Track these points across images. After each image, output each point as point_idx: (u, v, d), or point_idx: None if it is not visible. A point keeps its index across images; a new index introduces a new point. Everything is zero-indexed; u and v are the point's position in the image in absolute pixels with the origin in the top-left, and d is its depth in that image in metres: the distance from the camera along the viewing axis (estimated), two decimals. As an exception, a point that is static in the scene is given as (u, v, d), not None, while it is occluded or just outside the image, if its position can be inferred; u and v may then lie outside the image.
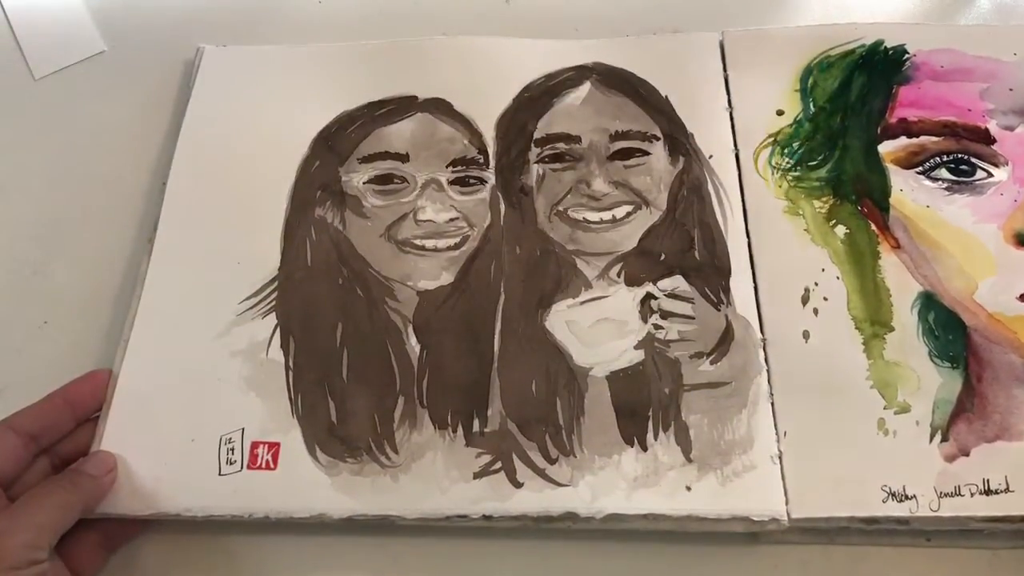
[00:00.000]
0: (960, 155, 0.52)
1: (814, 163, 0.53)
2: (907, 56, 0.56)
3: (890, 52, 0.57)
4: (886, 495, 0.43)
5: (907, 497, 0.43)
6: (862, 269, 0.49)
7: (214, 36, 0.61)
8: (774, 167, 0.53)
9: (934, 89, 0.55)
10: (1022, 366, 0.46)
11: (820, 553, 0.44)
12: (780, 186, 0.52)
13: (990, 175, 0.51)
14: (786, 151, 0.54)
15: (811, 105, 0.55)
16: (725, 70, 0.58)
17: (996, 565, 0.44)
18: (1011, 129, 0.53)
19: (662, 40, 0.59)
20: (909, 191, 0.51)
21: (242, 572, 0.45)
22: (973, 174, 0.51)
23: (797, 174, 0.53)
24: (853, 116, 0.54)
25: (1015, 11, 0.63)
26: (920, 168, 0.52)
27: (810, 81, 0.56)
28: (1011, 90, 0.54)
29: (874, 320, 0.47)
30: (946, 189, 0.51)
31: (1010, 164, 0.51)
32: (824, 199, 0.52)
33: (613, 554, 0.44)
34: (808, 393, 0.46)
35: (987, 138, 0.52)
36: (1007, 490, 0.42)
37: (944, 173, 0.52)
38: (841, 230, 0.50)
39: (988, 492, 0.42)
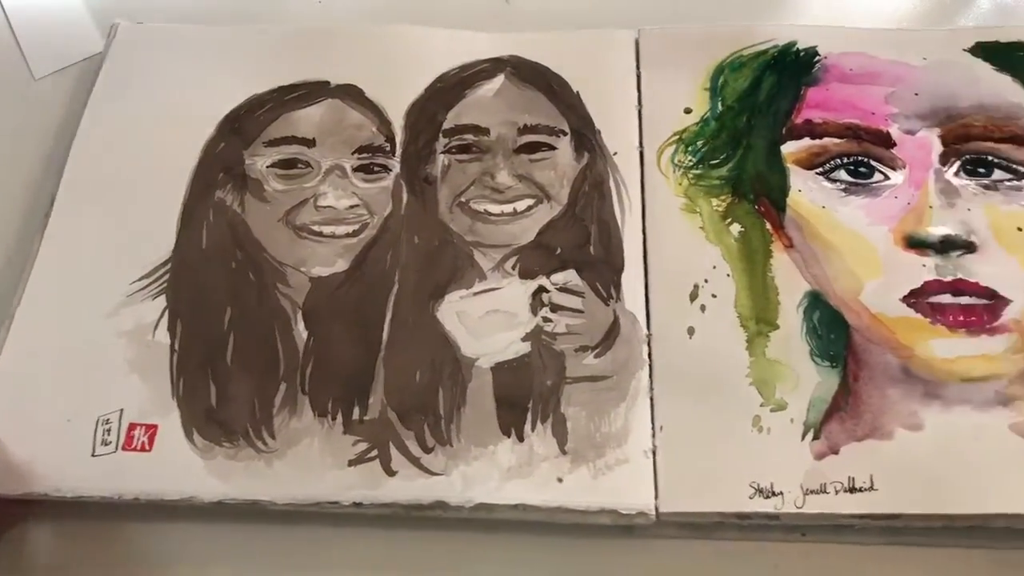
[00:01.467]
0: (860, 157, 0.52)
1: (716, 161, 0.53)
2: (818, 58, 0.57)
3: (802, 54, 0.57)
4: (754, 491, 0.43)
5: (774, 493, 0.43)
6: (753, 267, 0.49)
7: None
8: (676, 165, 0.53)
9: (841, 91, 0.55)
10: (898, 367, 0.46)
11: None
12: (680, 184, 0.52)
13: (887, 178, 0.51)
14: (690, 149, 0.54)
15: (719, 104, 0.55)
16: (638, 68, 0.58)
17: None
18: (912, 133, 0.53)
19: (579, 36, 0.60)
20: (807, 191, 0.51)
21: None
22: (871, 176, 0.52)
23: (698, 172, 0.53)
24: (759, 116, 0.54)
25: (1016, 12, 0.63)
26: (820, 169, 0.52)
27: (721, 80, 0.56)
28: (916, 95, 0.54)
29: (759, 318, 0.48)
30: (843, 190, 0.51)
31: (907, 167, 0.52)
32: (723, 197, 0.52)
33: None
34: (688, 389, 0.46)
35: (888, 141, 0.52)
36: (871, 488, 0.43)
37: (843, 175, 0.52)
38: (736, 228, 0.51)
39: (852, 490, 0.43)
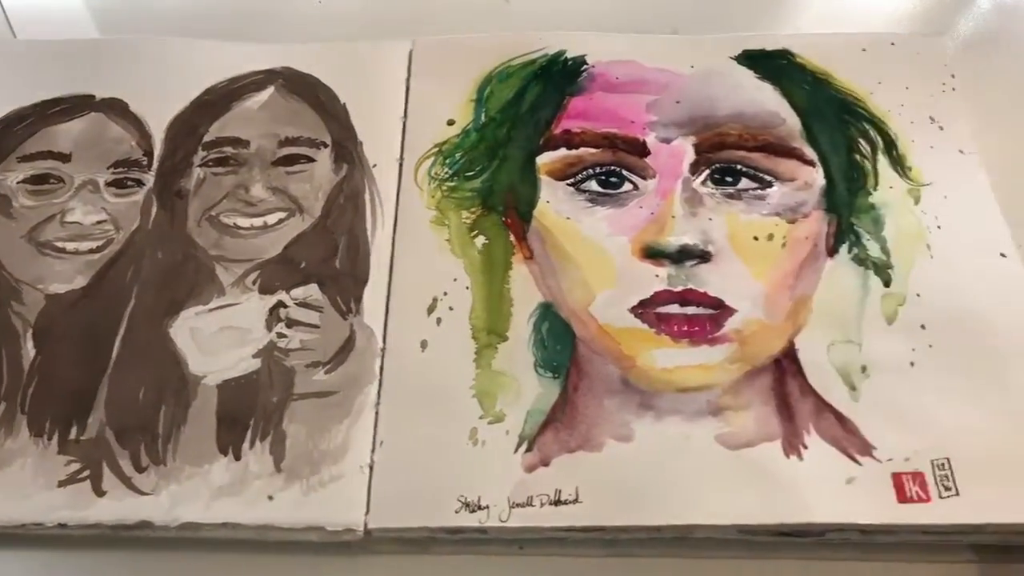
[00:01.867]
0: (612, 167, 0.52)
1: (471, 174, 0.53)
2: (585, 67, 0.57)
3: (569, 62, 0.57)
4: (461, 505, 0.43)
5: (480, 507, 0.43)
6: (491, 279, 0.49)
7: (213, 34, 0.61)
8: (432, 177, 0.53)
9: (604, 101, 0.55)
10: (618, 377, 0.46)
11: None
12: (433, 196, 0.52)
13: (636, 187, 0.51)
14: (447, 161, 0.54)
15: (483, 115, 0.55)
16: (409, 79, 0.57)
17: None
18: (668, 141, 0.53)
19: (354, 47, 0.59)
20: (555, 203, 0.51)
21: None
22: (620, 186, 0.52)
23: (452, 184, 0.53)
24: (520, 127, 0.54)
25: (1016, 12, 0.63)
26: (572, 180, 0.52)
27: (487, 91, 0.56)
28: (678, 102, 0.54)
29: (491, 330, 0.48)
30: (590, 201, 0.51)
31: (657, 176, 0.52)
32: (473, 210, 0.52)
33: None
34: (415, 403, 0.46)
35: (642, 150, 0.53)
36: (576, 501, 0.43)
37: (593, 185, 0.52)
38: (480, 240, 0.51)
39: (558, 503, 0.43)
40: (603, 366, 0.47)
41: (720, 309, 0.47)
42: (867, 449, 0.44)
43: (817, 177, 0.52)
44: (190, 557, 0.44)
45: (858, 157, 0.53)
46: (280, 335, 0.48)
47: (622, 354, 0.47)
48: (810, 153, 0.53)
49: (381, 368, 0.47)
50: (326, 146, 0.54)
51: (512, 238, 0.51)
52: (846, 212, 0.51)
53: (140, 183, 0.53)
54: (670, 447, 0.44)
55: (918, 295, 0.48)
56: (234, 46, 0.59)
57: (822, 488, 0.43)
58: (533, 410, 0.45)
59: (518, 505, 0.43)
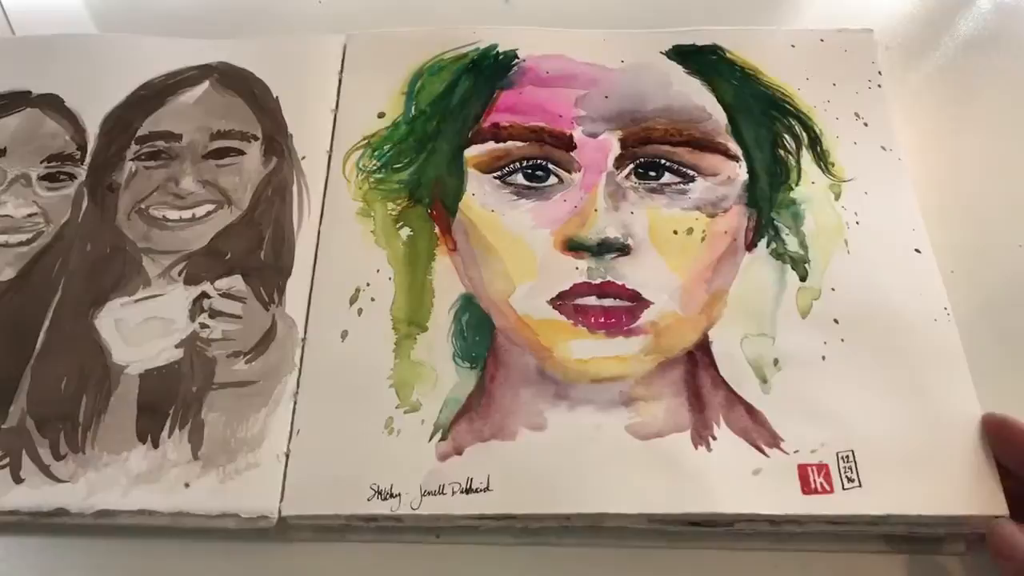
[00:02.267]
0: (539, 160, 0.53)
1: (399, 166, 0.54)
2: (516, 61, 0.57)
3: (500, 57, 0.58)
4: (373, 493, 0.43)
5: (392, 495, 0.43)
6: (414, 270, 0.50)
7: (213, 32, 0.61)
8: (360, 169, 0.54)
9: (533, 95, 0.56)
10: (535, 368, 0.47)
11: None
12: (361, 188, 0.53)
13: (561, 181, 0.52)
14: (376, 153, 0.54)
15: (413, 108, 0.56)
16: (342, 72, 0.58)
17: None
18: (595, 136, 0.53)
19: (288, 41, 0.60)
20: (481, 195, 0.52)
21: None
22: (546, 179, 0.52)
23: (380, 176, 0.53)
24: (450, 120, 0.55)
25: (1016, 12, 0.63)
26: (498, 173, 0.53)
27: (418, 84, 0.57)
28: (606, 97, 0.55)
29: (411, 320, 0.48)
30: (516, 194, 0.52)
31: (583, 170, 0.52)
32: (399, 201, 0.52)
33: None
34: (332, 392, 0.47)
35: (569, 144, 0.53)
36: (487, 489, 0.43)
37: (519, 178, 0.52)
38: (405, 232, 0.51)
39: (469, 491, 0.43)
40: (521, 357, 0.47)
41: (637, 302, 0.48)
42: (775, 441, 0.45)
43: (740, 172, 0.53)
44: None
45: (782, 153, 0.54)
46: (203, 325, 0.49)
47: (540, 345, 0.47)
48: (735, 148, 0.53)
49: (301, 358, 0.48)
50: (256, 139, 0.55)
51: (437, 230, 0.51)
52: (767, 207, 0.52)
53: (72, 177, 0.54)
54: (581, 436, 0.45)
55: (833, 289, 0.49)
56: (174, 42, 0.60)
57: (729, 479, 0.43)
58: (449, 399, 0.46)
59: (430, 493, 0.44)
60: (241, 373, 0.47)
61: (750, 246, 0.50)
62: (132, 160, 0.54)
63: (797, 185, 0.52)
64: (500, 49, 0.58)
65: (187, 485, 0.44)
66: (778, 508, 0.43)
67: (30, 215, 0.52)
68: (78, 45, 0.60)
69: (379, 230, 0.51)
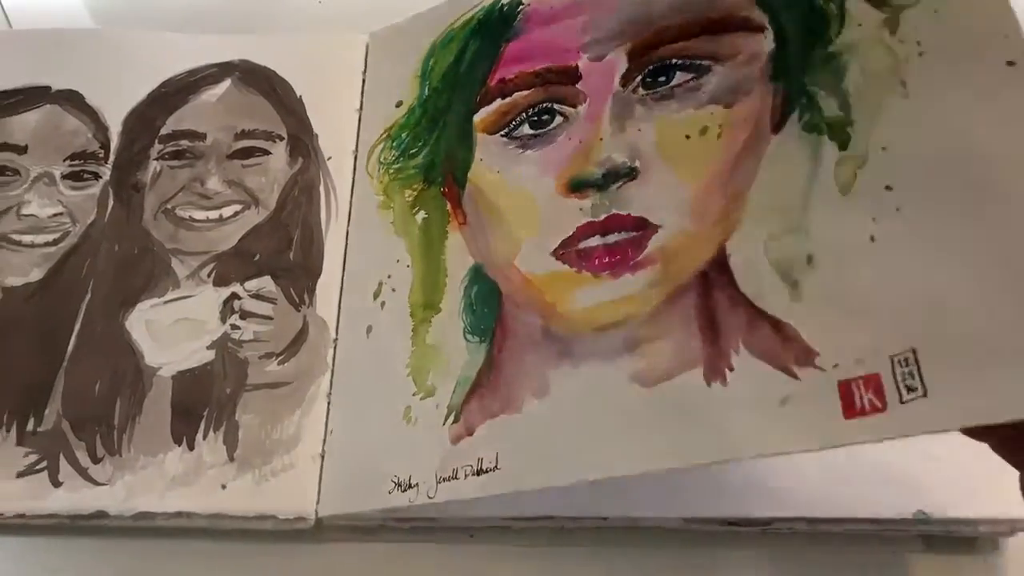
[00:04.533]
0: (544, 104, 0.47)
1: (414, 151, 0.52)
2: (520, 7, 0.51)
3: (504, 8, 0.52)
4: (393, 485, 0.43)
5: (411, 485, 0.42)
6: (429, 253, 0.48)
7: (205, 31, 0.60)
8: (382, 162, 0.53)
9: (540, 37, 0.50)
10: (540, 329, 0.42)
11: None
12: (382, 181, 0.52)
13: (566, 118, 0.46)
14: (394, 143, 0.53)
15: (426, 88, 0.53)
16: (366, 72, 0.58)
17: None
18: (601, 58, 0.47)
19: (311, 40, 0.60)
20: (487, 158, 0.47)
21: None
22: (551, 122, 0.46)
23: (398, 165, 0.52)
24: (459, 90, 0.51)
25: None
26: (505, 130, 0.47)
27: (431, 62, 0.54)
28: (614, 13, 0.47)
29: (427, 304, 0.47)
30: (521, 147, 0.47)
31: (588, 100, 0.47)
32: (415, 187, 0.50)
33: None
34: (360, 389, 0.46)
35: (573, 76, 0.47)
36: (495, 468, 0.40)
37: (525, 129, 0.47)
38: (420, 216, 0.49)
39: (479, 472, 0.41)
40: (527, 319, 0.43)
41: (642, 230, 0.41)
42: (808, 357, 0.34)
43: (765, 43, 0.43)
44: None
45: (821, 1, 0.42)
46: (234, 327, 0.49)
47: (544, 302, 0.43)
48: (759, 16, 0.43)
49: (334, 359, 0.48)
50: (281, 139, 0.55)
51: (449, 207, 0.49)
52: (798, 74, 0.41)
53: (97, 176, 0.54)
54: (585, 395, 0.40)
55: (884, 149, 0.36)
56: (191, 38, 0.59)
57: (750, 414, 0.35)
58: (461, 379, 0.43)
59: (444, 479, 0.41)
60: (274, 374, 0.48)
61: (776, 127, 0.40)
62: (156, 159, 0.54)
63: (838, 36, 0.40)
64: (504, 1, 0.52)
65: (224, 487, 0.45)
66: (811, 442, 0.33)
67: (55, 215, 0.52)
68: (95, 40, 0.59)
69: (398, 219, 0.50)
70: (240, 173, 0.54)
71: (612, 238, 0.42)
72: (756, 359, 0.36)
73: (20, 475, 0.45)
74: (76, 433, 0.46)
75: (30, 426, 0.46)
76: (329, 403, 0.47)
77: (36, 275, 0.50)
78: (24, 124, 0.55)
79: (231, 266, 0.51)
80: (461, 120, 0.50)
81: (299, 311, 0.49)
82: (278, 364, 0.48)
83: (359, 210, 0.53)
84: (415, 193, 0.50)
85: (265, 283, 0.50)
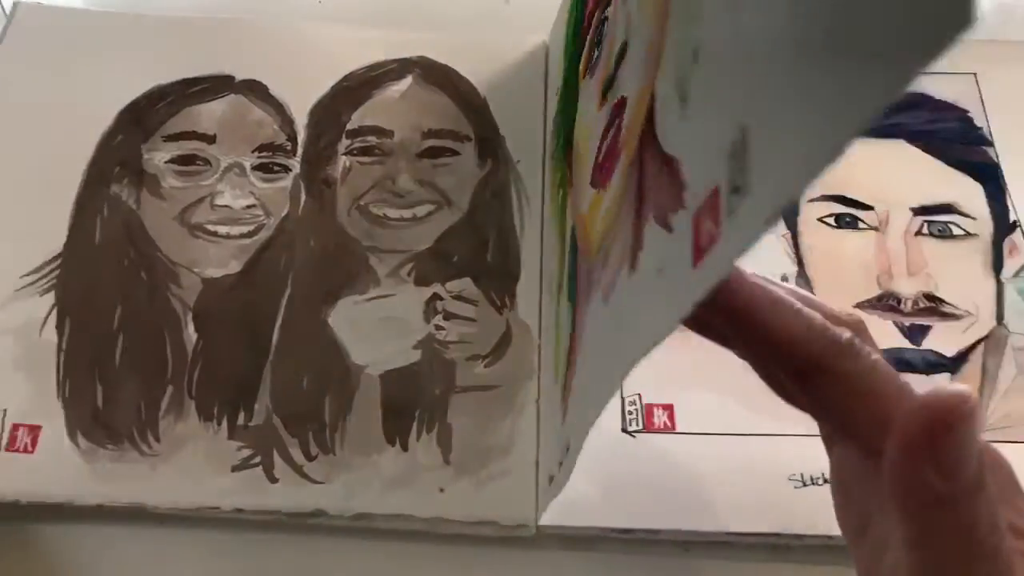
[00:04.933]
0: (604, 17, 0.42)
1: (559, 131, 0.51)
2: None
3: None
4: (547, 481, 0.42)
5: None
6: (560, 230, 0.47)
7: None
8: (552, 157, 0.53)
9: None
10: (587, 273, 0.38)
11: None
12: (554, 178, 0.52)
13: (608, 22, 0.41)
14: (554, 129, 0.53)
15: (565, 60, 0.52)
16: (547, 75, 0.58)
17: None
18: None
19: (490, 41, 0.59)
20: (584, 103, 0.44)
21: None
22: (602, 32, 0.41)
23: (555, 152, 0.51)
24: (573, 49, 0.50)
25: (1015, 12, 0.62)
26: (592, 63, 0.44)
27: (568, 31, 0.53)
28: None
29: (559, 284, 0.46)
30: (591, 76, 0.43)
31: None
32: (559, 170, 0.49)
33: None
34: (546, 392, 0.46)
35: None
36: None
37: (595, 54, 0.43)
38: (560, 195, 0.49)
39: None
40: (584, 267, 0.39)
41: (620, 111, 0.36)
42: (677, 199, 0.26)
43: None
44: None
45: None
46: (438, 327, 0.49)
47: (587, 238, 0.39)
48: None
49: (539, 364, 0.48)
50: (469, 140, 0.55)
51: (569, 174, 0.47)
52: None
53: (286, 168, 0.53)
54: (592, 331, 0.36)
55: None
56: (370, 32, 0.59)
57: (644, 302, 0.28)
58: (560, 352, 0.42)
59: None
60: (482, 377, 0.47)
61: None
62: (345, 154, 0.54)
63: None
64: None
65: (441, 490, 0.44)
66: (672, 318, 0.24)
67: (249, 206, 0.52)
68: (270, 30, 0.59)
69: (555, 210, 0.50)
70: (430, 173, 0.54)
71: (611, 133, 0.36)
72: (654, 224, 0.28)
73: (235, 469, 0.45)
74: (288, 429, 0.46)
75: (241, 420, 0.46)
76: (539, 409, 0.47)
77: (234, 267, 0.50)
78: (211, 113, 0.55)
79: (431, 266, 0.50)
80: (570, 76, 0.48)
81: (501, 314, 0.49)
82: (485, 367, 0.48)
83: (549, 216, 0.52)
84: (559, 177, 0.49)
85: (466, 284, 0.50)
